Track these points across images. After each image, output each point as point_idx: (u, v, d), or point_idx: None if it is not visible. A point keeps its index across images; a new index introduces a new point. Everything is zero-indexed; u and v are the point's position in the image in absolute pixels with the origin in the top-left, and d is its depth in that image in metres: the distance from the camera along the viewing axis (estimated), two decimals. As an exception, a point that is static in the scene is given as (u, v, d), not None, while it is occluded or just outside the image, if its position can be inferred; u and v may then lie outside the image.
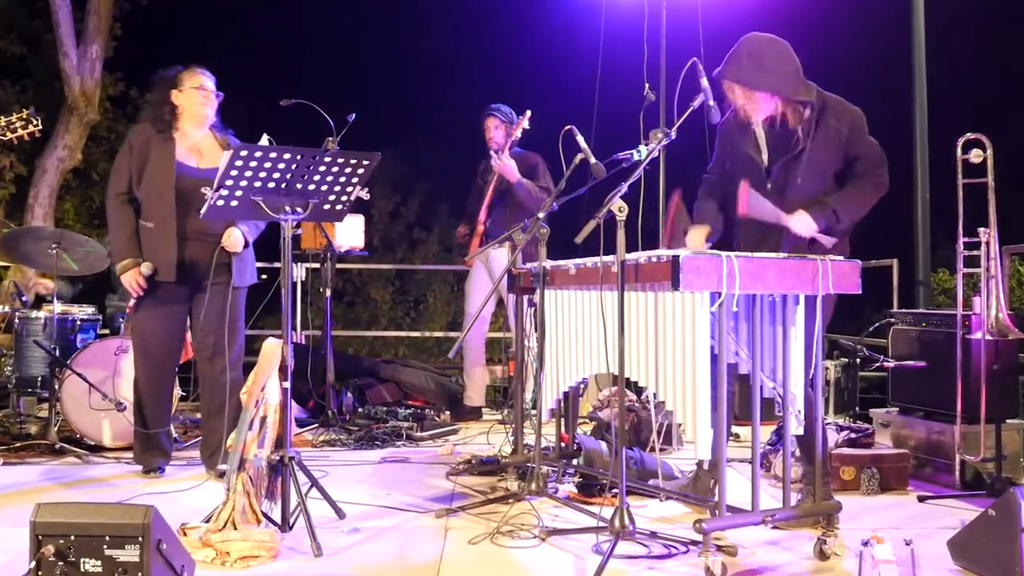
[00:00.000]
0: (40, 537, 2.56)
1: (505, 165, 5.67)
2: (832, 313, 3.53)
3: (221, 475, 4.23)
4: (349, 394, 6.05)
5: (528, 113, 5.70)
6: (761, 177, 3.59)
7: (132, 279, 4.19)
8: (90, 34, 10.57)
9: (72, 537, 2.56)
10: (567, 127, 3.78)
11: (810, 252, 3.30)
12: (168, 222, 4.16)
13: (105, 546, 2.55)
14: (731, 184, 3.65)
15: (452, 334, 7.88)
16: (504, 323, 6.04)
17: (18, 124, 3.97)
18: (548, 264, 3.77)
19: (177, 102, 4.27)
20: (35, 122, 3.99)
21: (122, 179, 4.26)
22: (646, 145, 3.42)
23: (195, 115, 4.27)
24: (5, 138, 3.95)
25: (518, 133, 5.70)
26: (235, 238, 4.20)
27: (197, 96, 4.26)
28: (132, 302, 4.39)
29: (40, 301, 6.88)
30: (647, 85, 5.83)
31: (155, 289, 4.23)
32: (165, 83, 4.31)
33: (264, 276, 6.19)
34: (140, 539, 2.55)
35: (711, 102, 3.37)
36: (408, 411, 5.69)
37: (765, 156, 3.59)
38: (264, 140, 4.06)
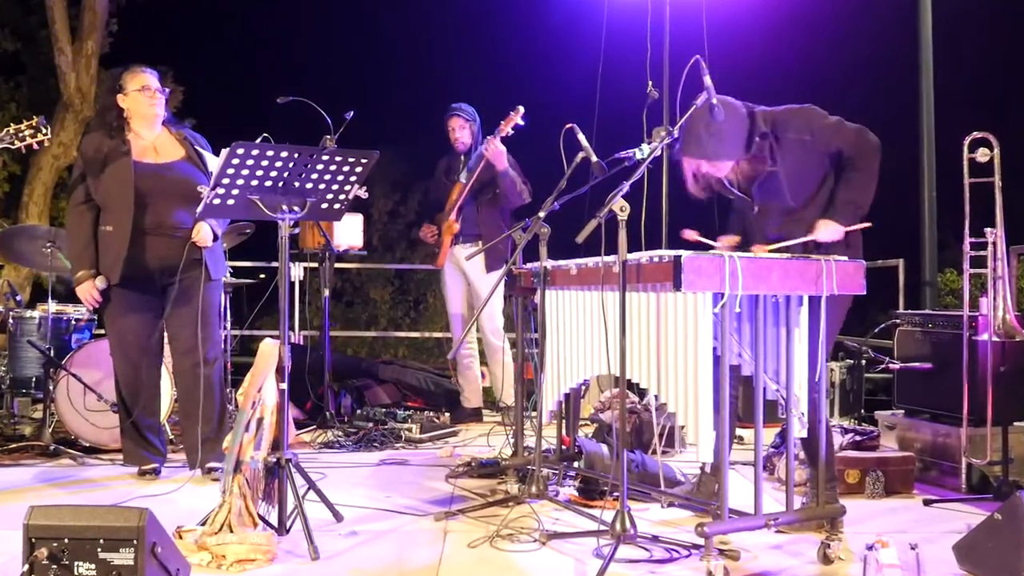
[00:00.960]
0: (33, 540, 2.56)
1: (497, 150, 5.66)
2: (843, 316, 3.54)
3: (210, 471, 4.23)
4: (347, 395, 6.05)
5: (521, 109, 5.65)
6: (747, 203, 3.66)
7: (87, 292, 4.23)
8: (85, 30, 10.57)
9: (66, 540, 2.56)
10: (568, 125, 3.78)
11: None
12: (124, 226, 4.16)
13: (99, 549, 2.55)
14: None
15: (452, 335, 7.88)
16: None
17: (27, 132, 4.00)
18: (549, 264, 3.76)
19: (124, 106, 4.27)
20: (44, 131, 4.01)
21: (80, 191, 4.29)
22: (648, 143, 3.42)
23: (144, 117, 4.27)
24: (13, 146, 3.97)
25: (509, 129, 5.67)
26: (204, 233, 4.23)
27: (142, 98, 4.24)
28: (86, 312, 4.37)
29: (35, 301, 6.88)
30: (650, 82, 5.81)
31: (126, 288, 4.23)
32: (108, 88, 4.32)
33: (262, 276, 6.21)
34: (134, 542, 2.55)
35: (714, 100, 3.36)
36: (407, 413, 5.69)
37: (736, 189, 3.66)
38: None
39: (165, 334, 4.46)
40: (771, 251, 3.39)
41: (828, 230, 3.46)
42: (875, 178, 3.53)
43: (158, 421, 4.49)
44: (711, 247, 3.66)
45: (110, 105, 4.28)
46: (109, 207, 4.22)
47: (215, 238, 4.31)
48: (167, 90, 4.34)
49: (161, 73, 4.42)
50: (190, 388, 4.30)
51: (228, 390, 5.63)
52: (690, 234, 3.71)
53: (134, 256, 4.18)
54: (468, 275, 5.96)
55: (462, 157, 5.97)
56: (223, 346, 4.90)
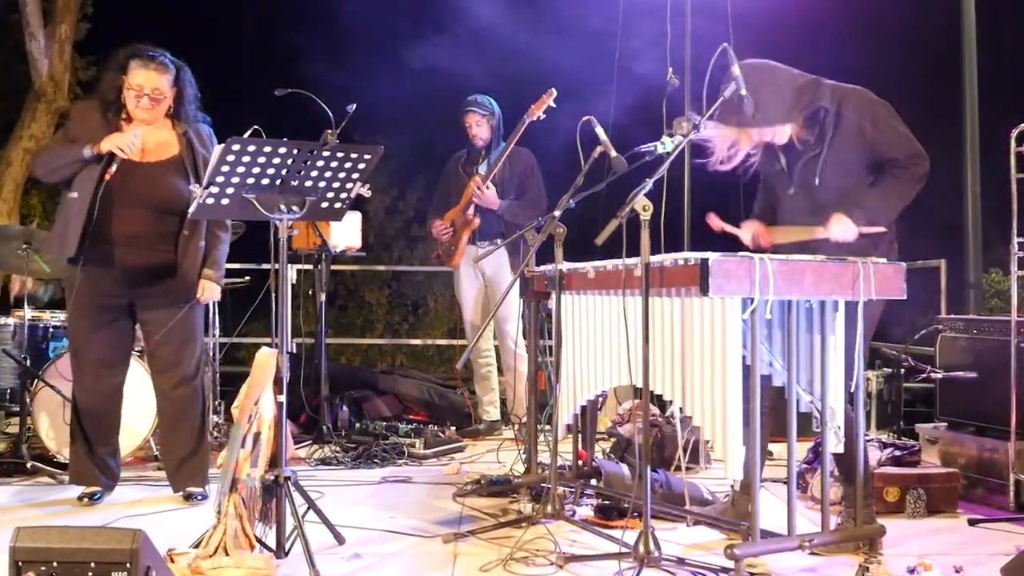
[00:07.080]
0: (20, 563, 2.60)
1: (487, 197, 5.75)
2: (877, 319, 3.57)
3: (188, 497, 4.27)
4: (344, 408, 6.07)
5: (553, 91, 5.53)
6: (785, 181, 3.69)
7: (117, 138, 3.97)
8: (58, 13, 10.62)
9: (55, 563, 2.59)
10: (585, 117, 3.82)
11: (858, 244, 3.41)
12: (86, 196, 4.02)
13: (90, 573, 2.59)
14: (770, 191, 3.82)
15: (456, 342, 7.91)
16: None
17: None
18: (565, 266, 3.81)
19: (124, 90, 4.13)
20: None
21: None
22: (670, 136, 3.45)
23: (132, 114, 4.14)
24: None
25: (541, 113, 5.63)
26: (209, 292, 4.22)
27: (131, 97, 4.10)
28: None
29: (8, 308, 6.93)
30: (671, 69, 5.85)
31: (89, 289, 4.13)
32: (117, 64, 4.14)
33: (247, 278, 6.23)
34: (128, 565, 2.59)
35: (743, 91, 3.40)
36: (409, 426, 5.71)
37: (784, 161, 3.67)
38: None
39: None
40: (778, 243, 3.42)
41: (842, 226, 3.45)
42: (903, 199, 3.54)
43: (114, 436, 4.37)
44: (735, 236, 3.72)
45: (112, 83, 4.13)
46: (78, 182, 4.07)
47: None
48: (164, 94, 4.13)
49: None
50: (168, 407, 4.30)
51: (216, 402, 5.70)
52: (715, 221, 3.76)
53: (98, 260, 4.08)
54: (486, 276, 5.96)
55: (482, 152, 6.00)
56: (210, 355, 4.91)
